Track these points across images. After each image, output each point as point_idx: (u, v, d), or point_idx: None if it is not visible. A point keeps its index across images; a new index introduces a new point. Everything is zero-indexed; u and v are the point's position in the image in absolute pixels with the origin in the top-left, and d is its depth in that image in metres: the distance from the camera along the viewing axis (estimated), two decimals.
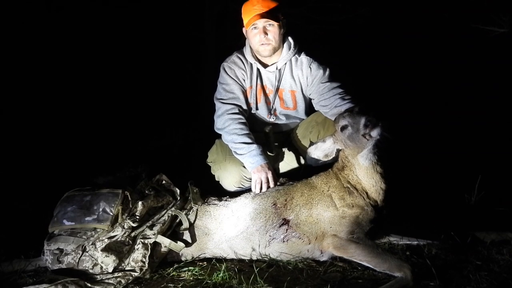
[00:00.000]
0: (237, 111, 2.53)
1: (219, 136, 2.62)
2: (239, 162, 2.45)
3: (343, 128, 2.16)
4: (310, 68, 2.58)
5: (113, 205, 2.12)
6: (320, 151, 2.29)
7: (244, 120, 2.51)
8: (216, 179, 2.61)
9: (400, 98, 4.54)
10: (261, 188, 2.31)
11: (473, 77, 4.73)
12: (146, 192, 2.29)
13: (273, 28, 2.47)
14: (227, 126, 2.49)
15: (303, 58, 2.61)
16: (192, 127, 4.81)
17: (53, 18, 4.41)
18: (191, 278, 2.02)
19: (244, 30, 2.58)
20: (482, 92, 4.52)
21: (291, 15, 4.16)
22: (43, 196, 2.62)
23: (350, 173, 2.19)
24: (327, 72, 2.58)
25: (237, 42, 2.44)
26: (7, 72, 4.01)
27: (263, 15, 2.42)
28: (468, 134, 3.93)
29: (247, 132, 2.46)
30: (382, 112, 2.11)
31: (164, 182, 2.42)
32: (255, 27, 2.49)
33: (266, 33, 2.47)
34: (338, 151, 2.26)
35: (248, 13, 2.47)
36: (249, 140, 2.42)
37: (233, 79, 2.58)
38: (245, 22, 2.52)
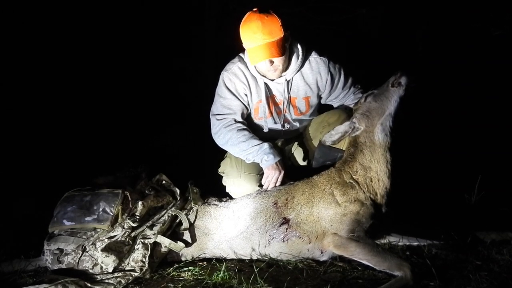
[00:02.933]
0: (233, 121, 2.42)
1: None
2: (254, 179, 2.42)
3: (368, 96, 2.24)
4: (330, 72, 2.48)
5: (113, 205, 2.12)
6: (335, 135, 2.28)
7: (244, 127, 2.43)
8: (226, 190, 2.53)
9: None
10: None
11: (473, 77, 4.72)
12: (146, 192, 2.29)
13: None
14: (229, 138, 2.40)
15: (319, 60, 2.46)
16: (192, 127, 4.80)
17: (53, 16, 4.40)
18: (191, 278, 2.02)
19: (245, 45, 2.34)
20: (482, 92, 4.51)
21: (291, 15, 4.16)
22: (43, 196, 2.62)
23: (355, 163, 2.19)
24: (342, 72, 2.52)
25: (237, 42, 2.39)
26: (7, 72, 4.01)
27: (265, 53, 2.22)
28: (468, 134, 3.92)
29: (251, 135, 2.40)
30: None
31: (164, 182, 2.42)
32: None
33: (271, 61, 2.29)
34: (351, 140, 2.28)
35: (249, 41, 2.25)
36: (257, 142, 2.37)
37: (232, 94, 2.43)
38: (245, 46, 2.32)
